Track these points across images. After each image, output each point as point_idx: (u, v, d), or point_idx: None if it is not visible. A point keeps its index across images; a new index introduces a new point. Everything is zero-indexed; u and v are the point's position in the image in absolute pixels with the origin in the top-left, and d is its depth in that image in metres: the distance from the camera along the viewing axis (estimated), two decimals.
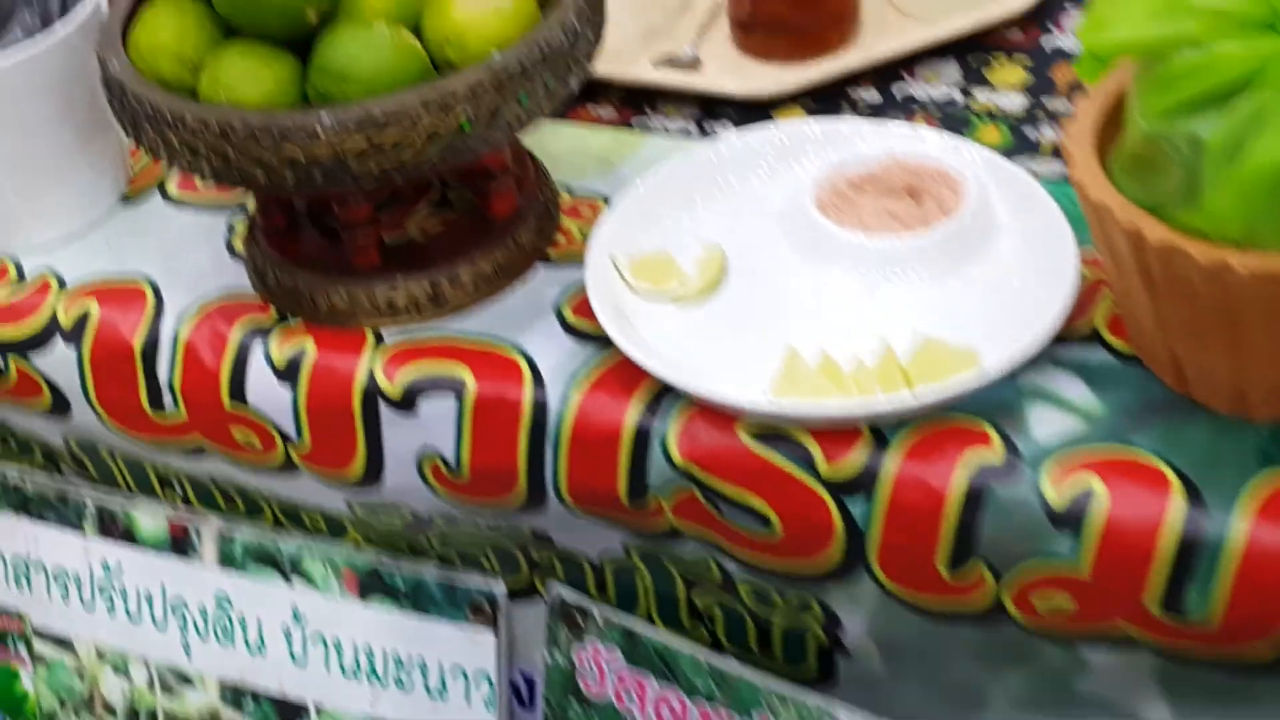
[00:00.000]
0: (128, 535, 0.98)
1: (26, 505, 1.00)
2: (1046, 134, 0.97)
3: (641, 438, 0.80)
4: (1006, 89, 1.01)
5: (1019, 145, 0.96)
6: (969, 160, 0.89)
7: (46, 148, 0.94)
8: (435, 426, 0.84)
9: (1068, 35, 1.05)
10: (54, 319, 0.93)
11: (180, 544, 0.96)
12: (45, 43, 0.91)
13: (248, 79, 0.77)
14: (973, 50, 1.04)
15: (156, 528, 0.97)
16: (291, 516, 0.95)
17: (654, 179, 0.91)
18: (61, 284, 0.94)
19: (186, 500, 0.98)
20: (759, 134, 0.94)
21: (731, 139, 0.93)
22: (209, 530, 0.95)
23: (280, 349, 0.87)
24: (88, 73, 0.91)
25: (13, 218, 0.96)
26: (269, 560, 0.94)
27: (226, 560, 0.95)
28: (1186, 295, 0.69)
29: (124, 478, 0.99)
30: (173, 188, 1.01)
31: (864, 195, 0.89)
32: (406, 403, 0.84)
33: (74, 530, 0.99)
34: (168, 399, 0.90)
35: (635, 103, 1.04)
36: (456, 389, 0.84)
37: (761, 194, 0.92)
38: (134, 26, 0.83)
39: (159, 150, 0.80)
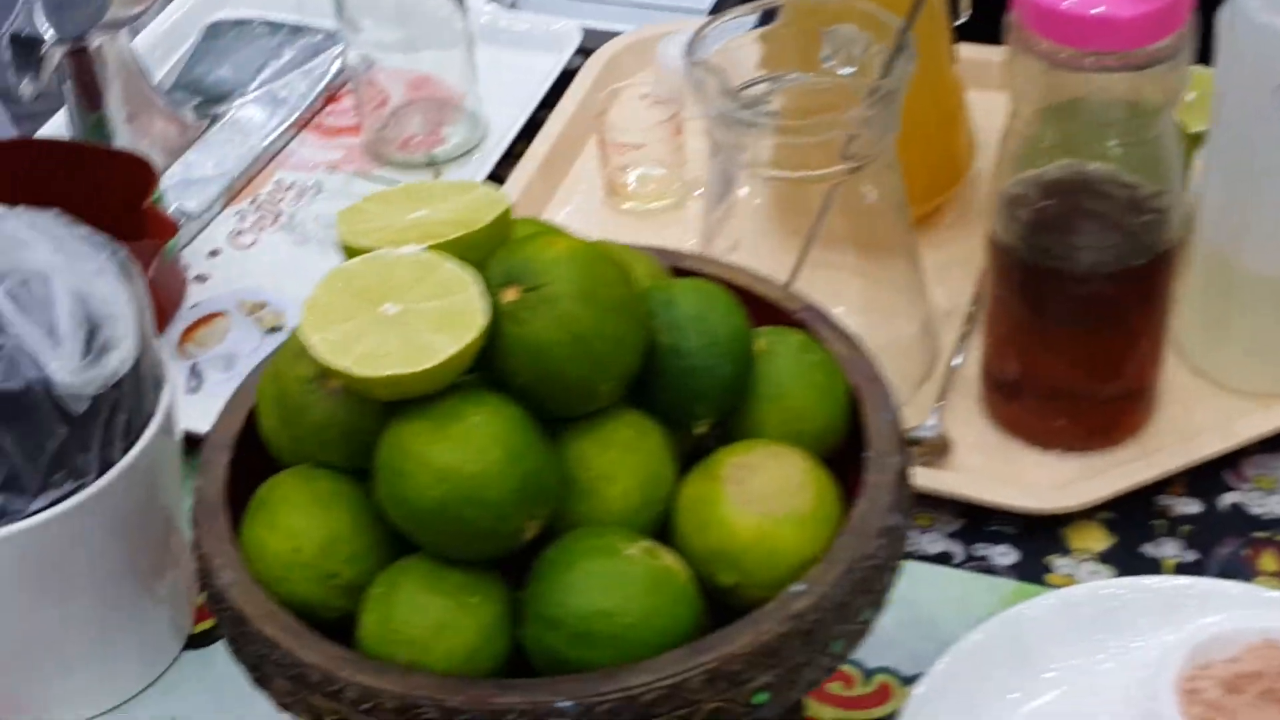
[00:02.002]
0: None
1: None
2: None
3: None
4: None
5: None
6: None
7: (91, 613, 0.67)
8: None
9: None
10: None
11: None
12: (101, 484, 0.64)
13: (437, 627, 0.50)
14: None
15: None
16: None
17: (929, 683, 0.65)
18: None
19: None
20: (1075, 598, 0.69)
21: (1038, 607, 0.68)
22: None
23: None
24: (149, 509, 0.68)
25: (44, 698, 0.69)
26: None
27: None
28: None
29: None
30: None
31: (1243, 703, 0.64)
32: None
33: None
34: None
35: None
36: None
37: (1090, 691, 0.66)
38: (253, 516, 0.55)
39: (295, 710, 0.53)
